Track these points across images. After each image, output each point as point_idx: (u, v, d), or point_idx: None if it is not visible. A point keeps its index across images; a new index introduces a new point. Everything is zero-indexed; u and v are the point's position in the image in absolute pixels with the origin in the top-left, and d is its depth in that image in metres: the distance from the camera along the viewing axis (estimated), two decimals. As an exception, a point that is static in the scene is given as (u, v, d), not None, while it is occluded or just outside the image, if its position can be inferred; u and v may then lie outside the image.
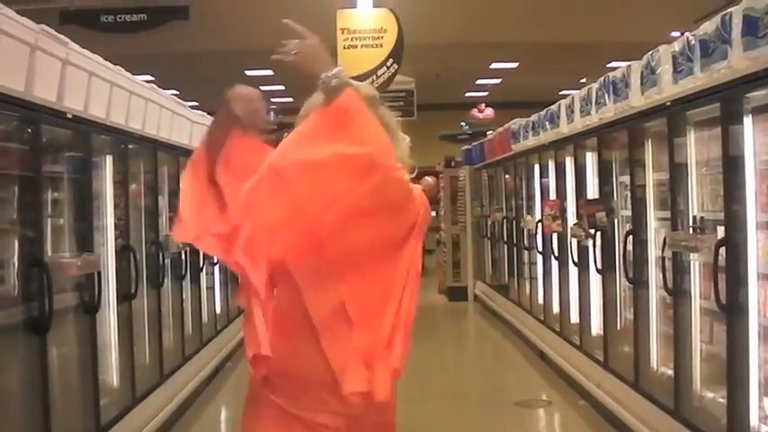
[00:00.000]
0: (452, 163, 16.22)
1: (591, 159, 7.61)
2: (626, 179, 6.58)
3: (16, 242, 4.59)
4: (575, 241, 7.75)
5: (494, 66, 20.17)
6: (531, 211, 10.24)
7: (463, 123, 25.09)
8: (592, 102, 7.17)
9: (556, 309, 8.92)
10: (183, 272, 7.87)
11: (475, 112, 23.91)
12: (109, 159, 6.07)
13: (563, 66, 18.50)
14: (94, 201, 5.67)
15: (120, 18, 11.52)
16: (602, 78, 6.89)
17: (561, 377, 8.15)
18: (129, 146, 6.43)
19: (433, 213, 16.39)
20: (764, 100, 4.37)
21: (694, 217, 5.22)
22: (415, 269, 2.55)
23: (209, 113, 9.23)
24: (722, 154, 4.67)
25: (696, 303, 5.30)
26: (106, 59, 5.81)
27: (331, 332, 2.48)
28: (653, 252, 6.04)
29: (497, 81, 22.36)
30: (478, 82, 22.64)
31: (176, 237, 2.66)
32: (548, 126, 8.88)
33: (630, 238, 6.31)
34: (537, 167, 9.78)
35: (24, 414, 4.53)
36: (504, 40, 16.34)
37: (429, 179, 15.76)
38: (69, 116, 5.11)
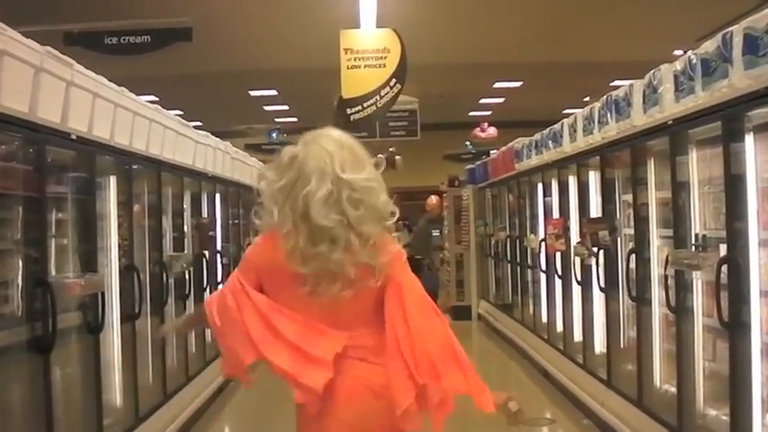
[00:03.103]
0: (456, 182, 16.21)
1: (594, 178, 7.62)
2: (629, 198, 6.58)
3: (20, 262, 4.61)
4: (578, 260, 7.74)
5: (497, 85, 20.23)
6: (534, 230, 10.23)
7: (467, 143, 25.13)
8: (594, 120, 7.17)
9: (559, 327, 8.89)
10: (187, 292, 7.87)
11: (478, 131, 23.96)
12: (113, 180, 6.09)
13: (566, 85, 18.55)
14: (98, 221, 5.68)
15: (123, 40, 11.60)
16: (604, 97, 6.90)
17: (565, 395, 8.13)
18: (133, 166, 6.45)
19: (437, 233, 16.43)
20: (765, 118, 4.39)
21: (696, 235, 5.23)
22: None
23: (213, 134, 9.28)
24: (724, 172, 4.69)
25: (699, 321, 5.30)
26: (110, 80, 5.84)
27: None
28: (656, 270, 6.04)
29: (501, 100, 22.42)
30: (482, 101, 22.70)
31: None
32: (551, 145, 8.88)
33: (633, 256, 6.31)
34: (540, 186, 9.78)
35: (28, 433, 4.54)
36: (507, 59, 16.42)
37: (433, 198, 15.79)
38: (73, 137, 5.14)
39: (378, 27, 11.40)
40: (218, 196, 9.59)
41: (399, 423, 2.90)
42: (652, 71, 5.79)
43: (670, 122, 5.46)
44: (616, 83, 8.79)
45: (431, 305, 3.03)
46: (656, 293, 6.05)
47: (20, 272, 4.60)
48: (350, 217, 2.87)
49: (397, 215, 3.05)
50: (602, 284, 7.11)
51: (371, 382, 2.92)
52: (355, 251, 2.87)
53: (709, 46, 4.81)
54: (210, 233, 8.99)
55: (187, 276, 7.85)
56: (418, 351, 2.87)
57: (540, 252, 9.51)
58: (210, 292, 9.00)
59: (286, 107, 22.72)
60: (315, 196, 2.86)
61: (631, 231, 6.51)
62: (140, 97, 6.61)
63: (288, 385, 2.97)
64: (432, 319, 2.99)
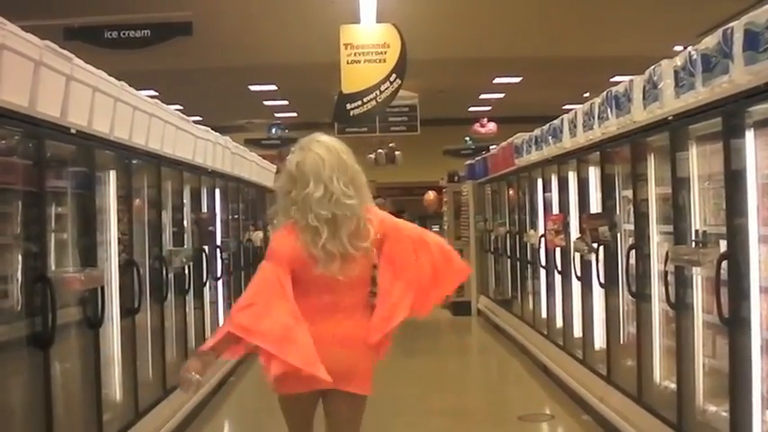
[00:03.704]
0: (456, 178, 16.23)
1: (594, 174, 7.61)
2: (629, 193, 6.58)
3: (20, 257, 4.61)
4: (578, 255, 7.74)
5: (497, 80, 20.21)
6: (534, 225, 10.23)
7: (467, 138, 25.12)
8: (594, 116, 7.17)
9: (559, 323, 8.90)
10: (187, 286, 7.87)
11: (477, 127, 23.94)
12: (112, 174, 6.09)
13: (566, 80, 18.54)
14: (98, 216, 5.68)
15: (123, 34, 11.58)
16: (604, 93, 6.90)
17: (564, 391, 8.13)
18: (133, 161, 6.44)
19: (437, 228, 16.46)
20: (766, 114, 4.38)
21: (696, 231, 5.22)
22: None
23: (213, 128, 9.27)
24: (724, 168, 4.68)
25: (699, 317, 5.29)
26: (110, 75, 5.83)
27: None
28: (655, 266, 6.04)
29: (501, 96, 22.40)
30: (482, 97, 22.68)
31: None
32: (550, 140, 8.88)
33: (633, 252, 6.31)
34: (540, 182, 9.77)
35: (28, 428, 4.54)
36: (507, 55, 16.39)
37: (430, 194, 15.83)
38: (73, 131, 5.14)
39: (378, 22, 11.40)
40: (217, 191, 9.58)
41: (362, 363, 3.83)
42: (652, 67, 5.78)
43: (670, 118, 5.45)
44: (616, 78, 8.80)
45: (423, 234, 3.97)
46: (656, 289, 6.05)
47: (19, 267, 4.60)
48: (342, 210, 3.71)
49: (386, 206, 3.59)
50: (602, 280, 7.10)
51: (340, 333, 3.75)
52: (350, 237, 3.71)
53: (710, 41, 4.80)
54: (210, 228, 8.98)
55: (187, 271, 7.84)
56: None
57: (539, 248, 9.51)
58: (210, 288, 9.01)
59: (286, 102, 22.69)
60: (313, 196, 3.69)
61: (631, 227, 6.50)
62: (140, 92, 6.60)
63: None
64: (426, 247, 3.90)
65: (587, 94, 9.68)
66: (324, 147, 3.79)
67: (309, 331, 3.62)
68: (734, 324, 4.57)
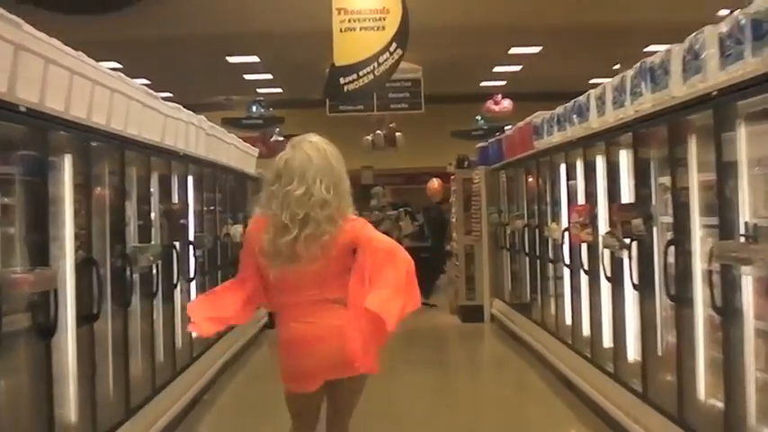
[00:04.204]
0: (466, 163, 16.22)
1: (625, 158, 7.61)
2: (666, 181, 6.57)
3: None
4: (607, 252, 7.73)
5: (513, 51, 20.22)
6: (556, 218, 10.23)
7: (479, 118, 25.15)
8: (626, 92, 7.16)
9: (586, 331, 8.90)
10: (155, 289, 7.84)
11: (490, 104, 23.96)
12: (68, 159, 6.05)
13: (593, 51, 18.56)
14: (51, 207, 5.64)
15: (81, -6, 11.55)
16: (638, 65, 6.88)
17: (592, 410, 8.13)
18: (92, 143, 6.41)
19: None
20: (827, 88, 4.36)
21: (746, 224, 5.20)
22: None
23: (185, 106, 9.24)
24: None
25: (749, 324, 5.28)
26: (66, 45, 5.80)
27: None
28: (698, 265, 6.02)
29: (517, 69, 22.42)
30: (496, 70, 22.71)
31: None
32: (575, 120, 8.88)
33: (672, 248, 6.29)
34: (563, 168, 9.77)
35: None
36: (525, 21, 16.39)
37: (434, 182, 15.82)
38: (22, 109, 5.10)
39: (376, -17, 11.36)
40: (190, 179, 9.56)
41: (349, 346, 4.53)
42: (693, 34, 5.77)
43: (714, 93, 5.43)
44: (651, 48, 8.76)
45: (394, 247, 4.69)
46: (699, 292, 6.03)
47: (-42, 266, 4.57)
48: (316, 213, 4.45)
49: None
50: (636, 281, 7.09)
51: (318, 330, 4.54)
52: (310, 239, 4.46)
53: (761, 4, 4.78)
54: (182, 221, 8.95)
55: (155, 271, 7.82)
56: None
57: (563, 243, 9.51)
58: (181, 290, 9.00)
59: (269, 76, 22.72)
60: (293, 193, 4.43)
61: (669, 220, 6.49)
62: (101, 64, 6.58)
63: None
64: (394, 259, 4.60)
65: (618, 67, 9.70)
66: (314, 147, 4.54)
67: (292, 329, 4.58)
68: (790, 332, 4.55)
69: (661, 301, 6.80)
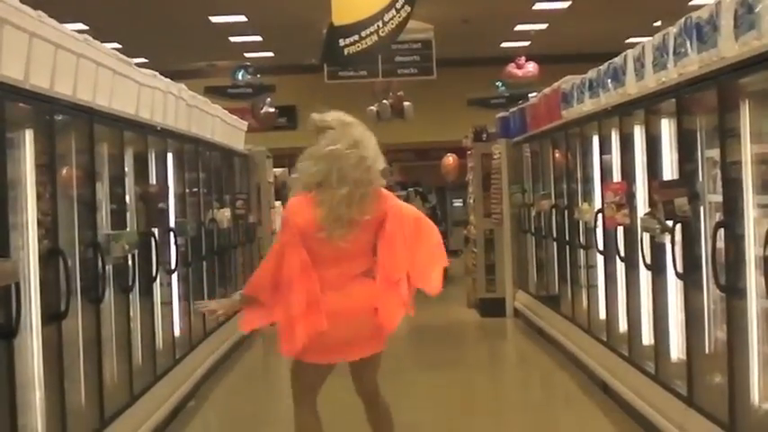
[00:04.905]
0: (484, 136, 16.23)
1: (668, 128, 7.62)
2: (715, 154, 6.55)
3: None
4: (647, 237, 7.73)
5: (538, 6, 20.18)
6: (588, 197, 10.23)
7: (499, 84, 25.13)
8: (669, 52, 7.15)
9: (623, 326, 8.91)
10: (131, 282, 7.84)
11: (512, 68, 23.93)
12: (29, 135, 6.03)
13: (630, 6, 18.50)
14: (10, 191, 5.62)
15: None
16: (681, 21, 6.87)
17: (631, 416, 8.14)
18: (56, 117, 6.41)
19: (460, 203, 16.50)
20: None
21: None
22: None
23: (162, 74, 9.23)
24: None
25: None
26: (25, 4, 5.78)
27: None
28: (752, 250, 6.00)
29: (543, 27, 22.38)
30: (518, 28, 22.67)
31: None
32: (610, 85, 8.88)
33: (722, 231, 6.27)
34: (596, 140, 9.77)
35: None
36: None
37: (450, 158, 15.80)
38: (-27, 78, 5.10)
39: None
40: (170, 156, 9.56)
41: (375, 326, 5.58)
42: (748, -17, 5.73)
43: (772, 52, 5.41)
44: (696, 2, 8.72)
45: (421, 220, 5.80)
46: (753, 281, 6.01)
47: None
48: (368, 175, 5.50)
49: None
50: (680, 269, 7.08)
51: (350, 304, 5.53)
52: (362, 206, 5.46)
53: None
54: (161, 205, 8.95)
55: (130, 262, 7.82)
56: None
57: (595, 227, 9.50)
58: (162, 284, 9.00)
59: (258, 38, 22.70)
60: (352, 156, 5.45)
61: (719, 199, 6.47)
62: (65, 26, 6.58)
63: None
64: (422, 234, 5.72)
65: (658, 23, 9.65)
66: (361, 125, 5.66)
67: (322, 303, 5.41)
68: None
69: (709, 291, 6.80)
